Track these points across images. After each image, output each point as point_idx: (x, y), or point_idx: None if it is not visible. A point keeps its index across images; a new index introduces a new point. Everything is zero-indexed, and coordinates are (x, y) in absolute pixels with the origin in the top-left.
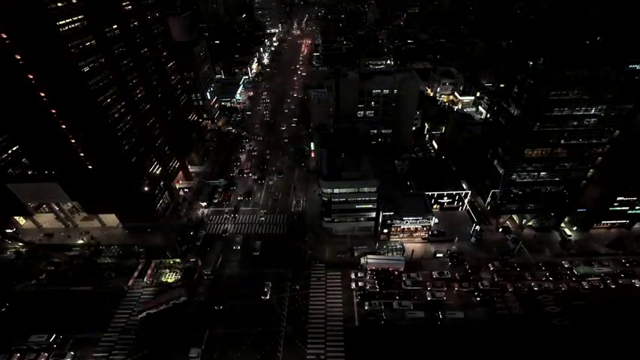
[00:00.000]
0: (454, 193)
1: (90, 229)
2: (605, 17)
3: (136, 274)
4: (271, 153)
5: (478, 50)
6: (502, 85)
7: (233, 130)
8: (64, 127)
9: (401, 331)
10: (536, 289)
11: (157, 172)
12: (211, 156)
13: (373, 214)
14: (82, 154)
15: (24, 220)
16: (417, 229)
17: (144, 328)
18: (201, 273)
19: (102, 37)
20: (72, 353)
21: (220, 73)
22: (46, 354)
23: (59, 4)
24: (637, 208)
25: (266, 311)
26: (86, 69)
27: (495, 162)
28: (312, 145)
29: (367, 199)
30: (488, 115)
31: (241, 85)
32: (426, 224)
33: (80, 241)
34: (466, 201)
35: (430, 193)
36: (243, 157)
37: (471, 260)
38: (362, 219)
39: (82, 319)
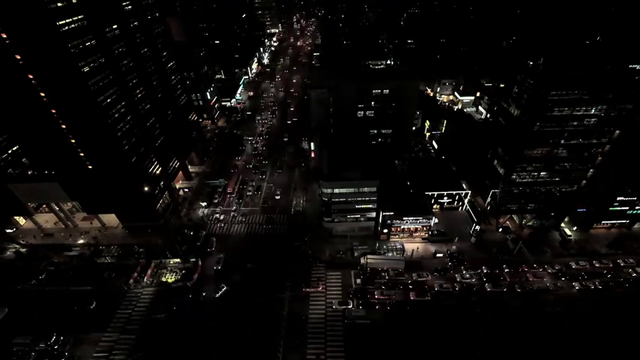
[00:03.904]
0: (454, 193)
1: (90, 229)
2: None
3: (135, 274)
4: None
5: (478, 50)
6: (502, 85)
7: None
8: (64, 127)
9: None
10: None
11: (157, 172)
12: (211, 156)
13: (373, 214)
14: (82, 154)
15: (24, 220)
16: (417, 229)
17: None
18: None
19: (102, 37)
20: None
21: (220, 73)
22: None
23: (59, 4)
24: (637, 208)
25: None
26: (86, 69)
27: (495, 162)
28: (312, 145)
29: (367, 199)
30: (489, 115)
31: (241, 85)
32: (426, 224)
33: (80, 241)
34: (466, 201)
35: (430, 193)
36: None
37: (470, 260)
38: (362, 219)
39: (82, 319)
